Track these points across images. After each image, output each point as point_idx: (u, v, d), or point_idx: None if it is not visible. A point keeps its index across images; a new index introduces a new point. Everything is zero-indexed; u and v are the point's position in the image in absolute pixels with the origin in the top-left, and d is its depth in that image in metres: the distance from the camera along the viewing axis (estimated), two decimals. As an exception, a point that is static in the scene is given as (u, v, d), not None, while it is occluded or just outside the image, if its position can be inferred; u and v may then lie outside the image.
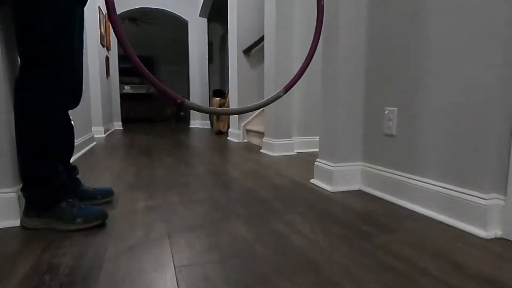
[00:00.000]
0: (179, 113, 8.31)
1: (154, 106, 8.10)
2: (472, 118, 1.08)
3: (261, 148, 2.98)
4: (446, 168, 1.18)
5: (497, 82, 1.02)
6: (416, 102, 1.30)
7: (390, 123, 1.43)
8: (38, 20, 1.05)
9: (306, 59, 1.19)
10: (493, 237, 1.03)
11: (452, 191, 1.15)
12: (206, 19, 6.11)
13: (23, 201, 1.15)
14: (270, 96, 1.18)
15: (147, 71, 0.93)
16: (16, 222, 1.14)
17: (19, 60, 1.12)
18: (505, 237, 1.02)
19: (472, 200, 1.08)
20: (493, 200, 1.05)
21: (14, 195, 1.14)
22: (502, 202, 1.04)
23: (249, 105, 1.15)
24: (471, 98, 1.09)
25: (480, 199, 1.06)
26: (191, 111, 6.34)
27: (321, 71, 1.69)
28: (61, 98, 1.14)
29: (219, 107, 4.64)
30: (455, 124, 1.14)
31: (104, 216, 1.17)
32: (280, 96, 1.18)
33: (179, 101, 0.99)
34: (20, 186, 1.17)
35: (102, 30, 4.60)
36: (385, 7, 1.44)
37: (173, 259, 0.91)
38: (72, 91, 1.22)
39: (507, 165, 1.02)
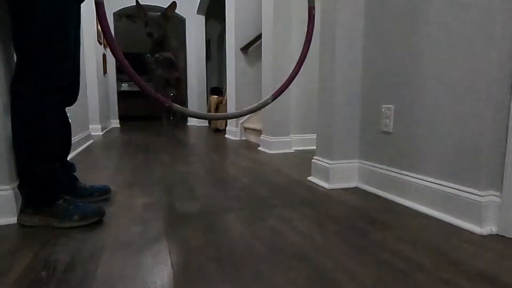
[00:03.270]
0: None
1: (151, 104, 8.06)
2: (468, 116, 1.09)
3: (258, 146, 2.98)
4: (443, 165, 1.19)
5: (492, 80, 1.02)
6: (413, 99, 1.30)
7: (387, 120, 1.43)
8: (33, 16, 1.04)
9: (295, 67, 1.19)
10: (489, 233, 1.04)
11: (448, 188, 1.15)
12: (203, 17, 6.09)
13: (20, 198, 1.15)
14: (258, 103, 1.18)
15: (137, 76, 0.92)
16: (13, 219, 1.14)
17: (15, 57, 1.12)
18: (500, 234, 1.03)
19: (468, 197, 1.08)
20: (489, 197, 1.05)
21: (11, 192, 1.14)
22: (498, 199, 1.04)
23: (237, 111, 1.17)
24: (467, 96, 1.09)
25: (476, 196, 1.06)
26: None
27: (318, 69, 1.70)
28: (57, 95, 1.13)
29: (217, 104, 4.64)
30: (451, 122, 1.15)
31: (101, 213, 1.17)
32: (268, 103, 1.18)
33: (166, 105, 0.99)
34: (17, 183, 1.16)
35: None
36: (382, 6, 1.45)
37: (170, 256, 0.91)
38: (69, 89, 1.22)
39: (503, 162, 1.02)
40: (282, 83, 1.20)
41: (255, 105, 1.18)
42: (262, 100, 1.18)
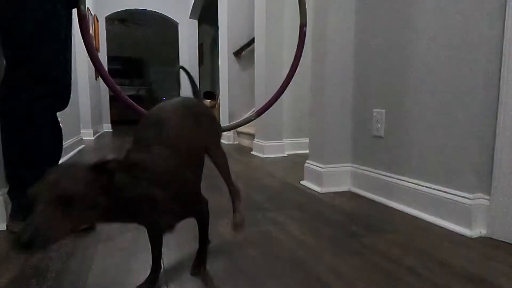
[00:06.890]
0: None
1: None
2: (458, 120, 1.11)
3: (252, 150, 2.98)
4: (433, 169, 1.20)
5: (480, 83, 1.04)
6: (404, 104, 1.32)
7: (378, 124, 1.45)
8: (22, 21, 1.03)
9: (282, 85, 1.20)
10: (478, 236, 1.05)
11: (439, 191, 1.17)
12: (196, 21, 6.10)
13: (10, 204, 1.14)
14: (241, 119, 1.19)
15: (118, 87, 0.92)
16: (2, 226, 1.12)
17: (4, 62, 1.11)
18: (489, 236, 1.04)
19: (457, 200, 1.10)
20: (478, 200, 1.07)
21: (0, 198, 1.12)
22: (487, 202, 1.06)
23: (222, 126, 1.18)
24: (456, 101, 1.11)
25: (466, 199, 1.08)
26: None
27: (311, 73, 1.71)
28: (47, 99, 1.12)
29: (210, 108, 4.64)
30: (441, 126, 1.17)
31: (93, 219, 1.16)
32: (251, 120, 1.19)
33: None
34: (6, 189, 1.15)
35: (91, 32, 4.55)
36: (372, 12, 1.47)
37: (162, 262, 0.90)
38: (59, 93, 1.21)
39: (491, 165, 1.04)
40: (277, 86, 1.20)
41: (238, 121, 1.20)
42: (245, 117, 1.19)
